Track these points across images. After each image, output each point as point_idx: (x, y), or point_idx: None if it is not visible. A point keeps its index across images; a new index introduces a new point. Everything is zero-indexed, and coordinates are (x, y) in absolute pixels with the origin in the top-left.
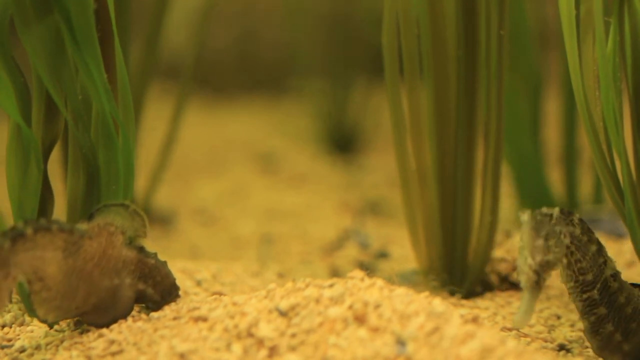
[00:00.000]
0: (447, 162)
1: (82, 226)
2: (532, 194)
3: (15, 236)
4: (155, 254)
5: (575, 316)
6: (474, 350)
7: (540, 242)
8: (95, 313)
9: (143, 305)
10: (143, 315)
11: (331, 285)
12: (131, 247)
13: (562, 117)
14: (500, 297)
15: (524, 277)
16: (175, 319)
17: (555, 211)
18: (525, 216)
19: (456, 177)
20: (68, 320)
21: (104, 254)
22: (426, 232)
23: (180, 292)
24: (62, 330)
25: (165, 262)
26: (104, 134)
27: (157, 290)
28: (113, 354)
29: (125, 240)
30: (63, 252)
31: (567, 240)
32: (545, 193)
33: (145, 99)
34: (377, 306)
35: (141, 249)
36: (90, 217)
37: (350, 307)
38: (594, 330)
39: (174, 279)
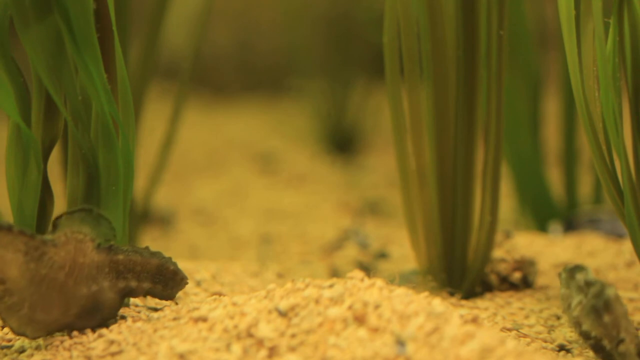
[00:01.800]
0: (447, 162)
1: (47, 236)
2: (532, 194)
3: None
4: (128, 247)
5: None
6: (473, 351)
7: (625, 307)
8: (81, 321)
9: (142, 305)
10: (143, 316)
11: (331, 286)
12: (100, 249)
13: (561, 117)
14: (500, 298)
15: None
16: (175, 319)
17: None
18: (611, 290)
19: (456, 177)
20: None
21: (74, 262)
22: (426, 232)
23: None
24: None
25: (143, 250)
26: (103, 134)
27: (142, 280)
28: (113, 354)
29: (94, 246)
30: (24, 256)
31: None
32: (544, 193)
33: (144, 99)
34: (377, 306)
35: (110, 248)
36: (54, 227)
37: (350, 307)
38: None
39: (160, 262)
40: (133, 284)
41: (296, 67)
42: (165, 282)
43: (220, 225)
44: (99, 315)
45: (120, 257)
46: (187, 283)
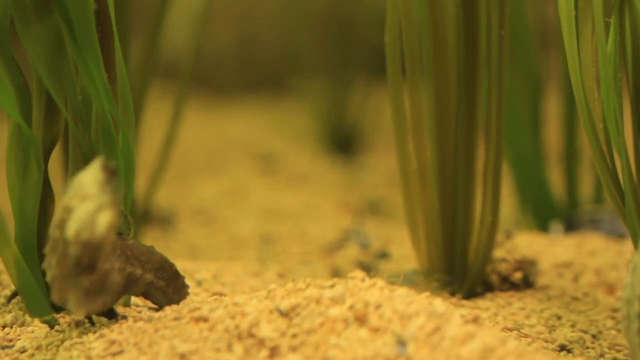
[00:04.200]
0: (448, 161)
1: None
2: (532, 194)
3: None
4: (133, 239)
5: (575, 316)
6: (474, 351)
7: None
8: (87, 300)
9: (142, 304)
10: (144, 316)
11: (332, 286)
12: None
13: (562, 117)
14: (501, 298)
15: None
16: (176, 319)
17: None
18: None
19: (457, 177)
20: (68, 320)
21: None
22: (427, 232)
23: None
24: (62, 331)
25: (148, 246)
26: (104, 134)
27: (146, 270)
28: (113, 355)
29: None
30: None
31: None
32: (545, 193)
33: (145, 99)
34: (378, 306)
35: (120, 234)
36: None
37: (351, 307)
38: None
39: (163, 257)
40: (138, 271)
41: (297, 67)
42: (168, 281)
43: (220, 225)
44: (101, 299)
45: (130, 242)
46: (188, 293)
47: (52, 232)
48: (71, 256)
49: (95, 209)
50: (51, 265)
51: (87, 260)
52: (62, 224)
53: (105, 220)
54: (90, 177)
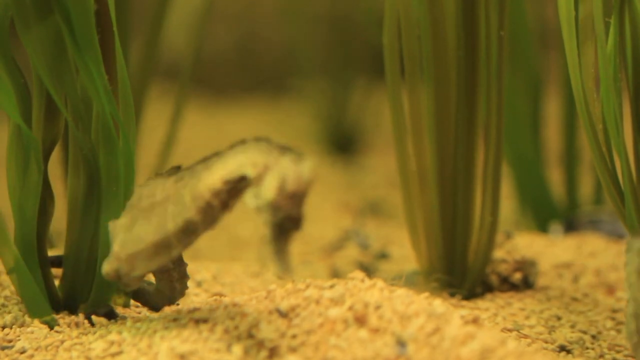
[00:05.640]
0: (447, 162)
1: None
2: (532, 195)
3: None
4: None
5: (575, 317)
6: (474, 351)
7: None
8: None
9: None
10: (143, 316)
11: (331, 286)
12: None
13: (562, 118)
14: (501, 298)
15: None
16: (175, 320)
17: None
18: None
19: (456, 178)
20: (68, 321)
21: None
22: (426, 232)
23: None
24: (62, 331)
25: None
26: (104, 135)
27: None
28: (113, 355)
29: None
30: None
31: None
32: (545, 194)
33: (145, 100)
34: (378, 307)
35: None
36: None
37: (351, 308)
38: None
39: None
40: None
41: (297, 67)
42: (174, 263)
43: (220, 226)
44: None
45: None
46: (187, 287)
47: (193, 216)
48: (275, 218)
49: (290, 163)
50: (171, 245)
51: (297, 212)
52: (209, 207)
53: (309, 165)
54: (259, 149)
